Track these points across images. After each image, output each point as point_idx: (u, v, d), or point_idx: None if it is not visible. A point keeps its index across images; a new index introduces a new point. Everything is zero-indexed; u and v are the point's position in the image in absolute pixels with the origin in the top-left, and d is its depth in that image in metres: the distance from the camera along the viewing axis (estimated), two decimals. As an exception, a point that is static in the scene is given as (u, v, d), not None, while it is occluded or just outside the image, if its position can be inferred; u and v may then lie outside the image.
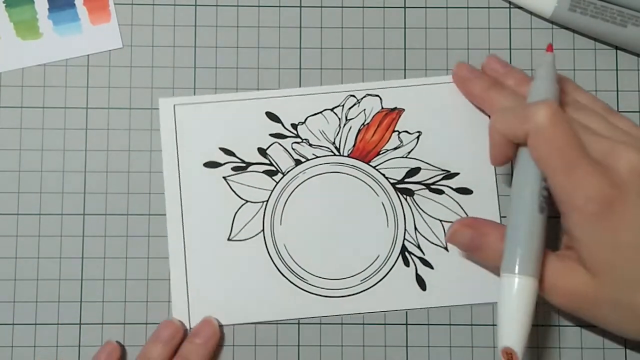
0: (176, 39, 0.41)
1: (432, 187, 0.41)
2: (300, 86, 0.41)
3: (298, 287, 0.40)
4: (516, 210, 0.35)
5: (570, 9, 0.40)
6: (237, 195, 0.41)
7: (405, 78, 0.41)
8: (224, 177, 0.41)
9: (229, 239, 0.40)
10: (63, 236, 0.40)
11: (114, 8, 0.41)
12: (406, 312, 0.40)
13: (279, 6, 0.42)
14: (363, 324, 0.40)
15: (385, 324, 0.40)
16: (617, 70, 0.42)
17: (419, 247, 0.40)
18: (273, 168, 0.41)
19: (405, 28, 0.42)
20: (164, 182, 0.40)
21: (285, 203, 0.41)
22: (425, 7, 0.42)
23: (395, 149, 0.41)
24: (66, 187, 0.41)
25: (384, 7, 0.42)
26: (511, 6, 0.42)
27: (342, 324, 0.40)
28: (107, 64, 0.41)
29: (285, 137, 0.41)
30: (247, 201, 0.41)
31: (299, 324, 0.40)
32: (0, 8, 0.41)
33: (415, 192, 0.41)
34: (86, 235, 0.40)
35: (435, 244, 0.40)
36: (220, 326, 0.39)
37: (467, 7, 0.42)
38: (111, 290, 0.40)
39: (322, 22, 0.42)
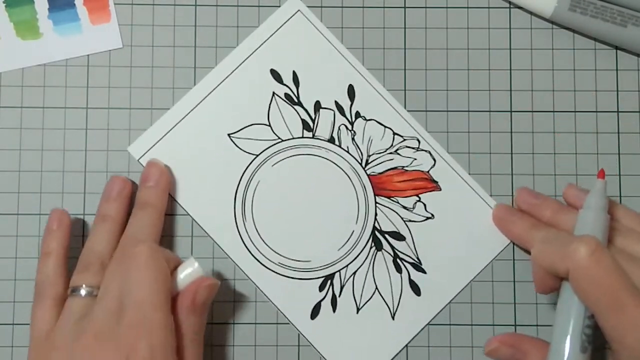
0: (176, 39, 0.41)
1: (397, 260, 0.40)
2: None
3: (242, 227, 0.40)
4: (558, 347, 0.34)
5: (570, 9, 0.40)
6: (268, 115, 0.41)
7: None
8: (273, 92, 0.41)
9: (229, 135, 0.40)
10: (63, 236, 0.40)
11: (114, 8, 0.41)
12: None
13: (279, 6, 0.42)
14: (363, 324, 0.40)
15: (385, 324, 0.40)
16: (617, 70, 0.42)
17: (341, 287, 0.40)
18: (312, 125, 0.41)
19: (405, 28, 0.42)
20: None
21: (284, 159, 0.40)
22: (425, 7, 0.42)
23: (403, 207, 0.41)
24: (66, 187, 0.41)
25: (384, 7, 0.42)
26: (511, 6, 0.42)
27: (342, 324, 0.40)
28: (107, 64, 0.41)
29: (344, 115, 0.41)
30: (269, 125, 0.41)
31: (299, 324, 0.40)
32: (0, 8, 0.41)
33: (384, 249, 0.40)
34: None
35: (355, 299, 0.40)
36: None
37: (467, 7, 0.42)
38: (111, 290, 0.40)
39: (322, 22, 0.42)
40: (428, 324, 0.40)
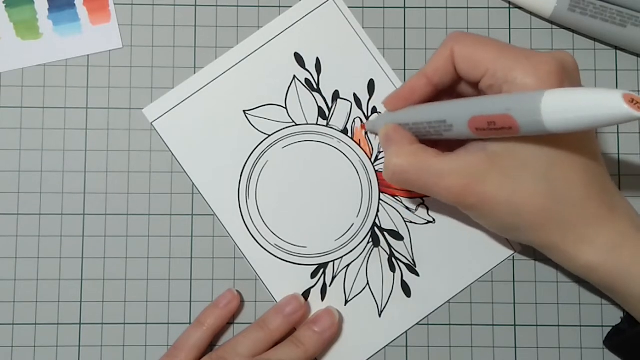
0: (176, 39, 0.41)
1: (392, 259, 0.40)
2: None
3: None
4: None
5: (570, 9, 0.40)
6: (285, 97, 0.41)
7: (404, 80, 0.42)
8: (294, 76, 0.41)
9: (244, 111, 0.41)
10: (63, 236, 0.40)
11: (114, 8, 0.41)
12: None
13: (279, 6, 0.42)
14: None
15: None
16: (616, 70, 0.42)
17: (333, 277, 0.40)
18: (327, 113, 0.41)
19: (405, 28, 0.42)
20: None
21: (296, 143, 0.41)
22: (425, 7, 0.42)
23: (406, 207, 0.41)
24: (66, 187, 0.41)
25: (384, 7, 0.42)
26: (511, 6, 0.42)
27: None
28: (107, 64, 0.41)
29: (360, 108, 0.41)
30: (285, 108, 0.41)
31: (299, 323, 0.40)
32: (0, 8, 0.41)
33: (380, 246, 0.41)
34: (86, 235, 0.40)
35: (345, 291, 0.40)
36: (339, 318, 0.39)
37: (467, 7, 0.42)
38: (111, 290, 0.40)
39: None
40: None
